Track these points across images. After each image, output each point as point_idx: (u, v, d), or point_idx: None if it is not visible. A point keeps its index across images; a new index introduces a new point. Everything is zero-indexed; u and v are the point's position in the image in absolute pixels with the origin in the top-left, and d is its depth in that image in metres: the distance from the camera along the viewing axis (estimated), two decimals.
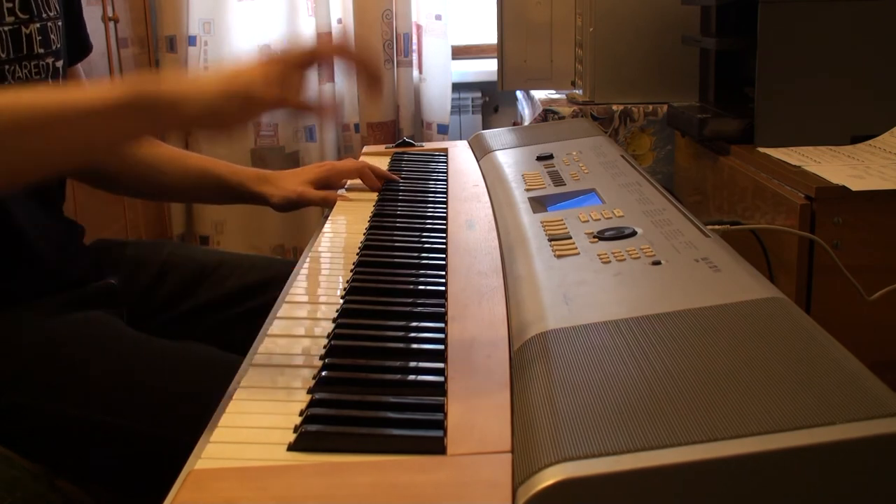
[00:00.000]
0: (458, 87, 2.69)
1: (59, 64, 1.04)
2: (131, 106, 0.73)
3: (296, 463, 0.55)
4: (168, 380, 0.90)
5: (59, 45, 1.04)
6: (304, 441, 0.57)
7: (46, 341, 0.91)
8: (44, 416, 0.86)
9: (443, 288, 0.83)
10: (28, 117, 0.73)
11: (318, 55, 0.82)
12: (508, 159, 1.25)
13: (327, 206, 1.20)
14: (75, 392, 0.87)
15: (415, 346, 0.73)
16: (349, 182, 1.30)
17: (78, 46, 1.14)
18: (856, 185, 1.10)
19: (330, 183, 1.26)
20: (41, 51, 1.00)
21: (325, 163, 1.31)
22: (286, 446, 0.57)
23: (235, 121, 0.75)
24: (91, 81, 1.22)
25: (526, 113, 2.17)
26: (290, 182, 1.23)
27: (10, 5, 0.95)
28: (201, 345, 0.97)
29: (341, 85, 2.65)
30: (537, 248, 0.83)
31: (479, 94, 2.77)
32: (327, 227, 1.10)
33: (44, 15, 1.00)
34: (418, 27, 2.62)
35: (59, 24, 1.05)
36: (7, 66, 0.95)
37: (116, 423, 0.85)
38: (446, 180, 1.25)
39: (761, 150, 1.33)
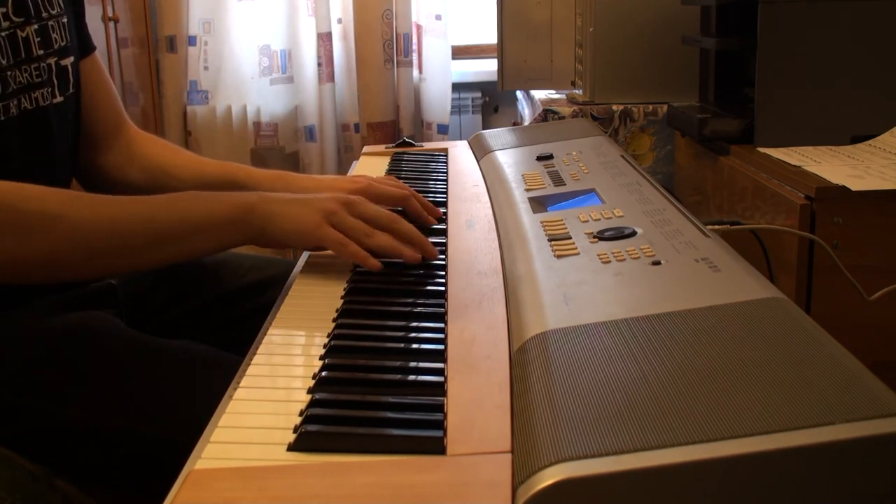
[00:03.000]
0: (458, 87, 2.69)
1: (67, 62, 1.03)
2: (236, 223, 0.87)
3: (296, 463, 0.55)
4: (168, 380, 0.89)
5: (65, 43, 1.03)
6: (304, 441, 0.57)
7: (45, 341, 0.91)
8: (43, 417, 0.86)
9: (443, 288, 0.83)
10: (148, 235, 0.86)
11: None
12: (508, 159, 1.25)
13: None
14: (74, 392, 0.87)
15: (415, 346, 0.73)
16: None
17: (80, 46, 1.13)
18: (856, 185, 1.10)
19: None
20: (40, 52, 0.99)
21: (360, 178, 1.10)
22: (286, 446, 0.57)
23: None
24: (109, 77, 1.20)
25: (526, 113, 2.17)
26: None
27: (4, 10, 0.94)
28: (201, 345, 0.97)
29: (341, 85, 2.65)
30: (537, 248, 0.83)
31: (479, 94, 2.77)
32: None
33: (43, 14, 0.99)
34: (418, 27, 2.62)
35: (64, 20, 1.03)
36: (8, 73, 0.94)
37: (116, 424, 0.85)
38: (446, 180, 1.25)
39: (761, 150, 1.33)
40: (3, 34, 0.93)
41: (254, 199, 0.89)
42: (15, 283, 0.88)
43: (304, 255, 0.99)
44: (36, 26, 0.98)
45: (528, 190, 1.05)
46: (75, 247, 0.84)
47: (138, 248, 0.86)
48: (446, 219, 1.05)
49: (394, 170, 1.33)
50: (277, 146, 2.65)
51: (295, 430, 0.58)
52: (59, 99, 1.02)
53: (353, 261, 0.88)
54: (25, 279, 0.88)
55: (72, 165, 1.09)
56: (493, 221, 1.01)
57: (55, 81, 1.01)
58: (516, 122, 2.50)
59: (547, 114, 1.85)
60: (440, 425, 0.58)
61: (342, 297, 0.82)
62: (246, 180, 1.17)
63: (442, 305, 0.78)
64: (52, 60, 1.01)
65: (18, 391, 0.87)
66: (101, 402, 0.86)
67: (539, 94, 2.03)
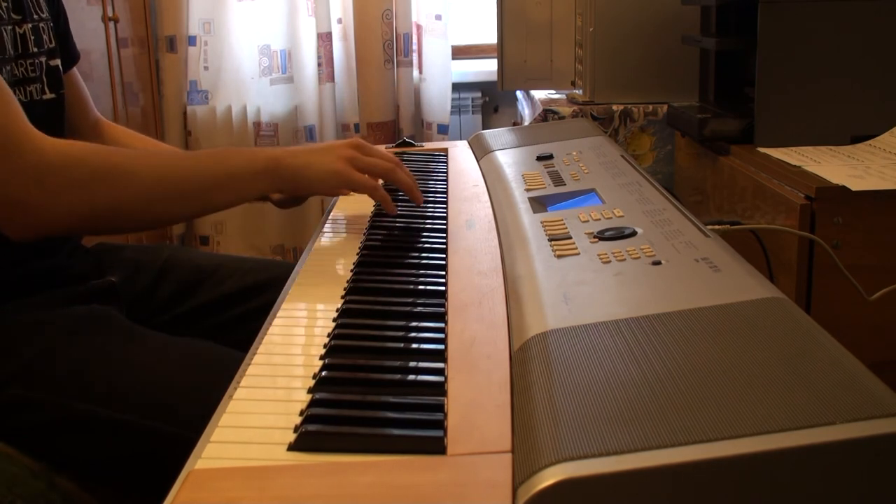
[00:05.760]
0: (458, 87, 2.69)
1: (55, 63, 1.06)
2: (268, 172, 0.97)
3: (296, 463, 0.55)
4: (169, 375, 0.90)
5: (52, 45, 1.06)
6: (305, 441, 0.57)
7: (46, 336, 0.91)
8: (44, 412, 0.86)
9: (443, 288, 0.83)
10: (196, 184, 0.96)
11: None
12: (508, 159, 1.25)
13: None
14: (76, 387, 0.87)
15: (415, 345, 0.73)
16: None
17: (66, 55, 1.15)
18: (856, 185, 1.10)
19: None
20: (35, 50, 1.02)
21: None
22: (286, 446, 0.57)
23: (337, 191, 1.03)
24: (92, 84, 1.24)
25: (526, 113, 2.17)
26: None
27: (6, 4, 0.98)
28: (202, 340, 0.97)
29: (341, 85, 2.65)
30: (537, 248, 0.83)
31: (479, 94, 2.77)
32: (327, 227, 1.10)
33: (35, 16, 1.03)
34: (418, 27, 2.62)
35: (51, 25, 1.07)
36: (6, 66, 0.97)
37: (117, 418, 0.85)
38: (446, 180, 1.25)
39: (761, 150, 1.33)
40: (7, 28, 0.96)
41: (279, 153, 0.99)
42: (81, 233, 1.00)
43: (305, 256, 0.99)
44: (30, 26, 1.02)
45: (528, 190, 1.05)
46: (137, 196, 0.92)
47: (189, 195, 0.96)
48: (446, 219, 1.05)
49: None
50: (277, 146, 2.65)
51: (295, 430, 0.58)
52: (49, 95, 1.05)
53: (379, 201, 1.02)
54: (91, 230, 0.98)
55: None
56: (493, 221, 1.01)
57: (45, 79, 1.04)
58: (516, 122, 2.50)
59: (547, 114, 1.85)
60: (440, 425, 0.58)
61: (342, 297, 0.82)
62: None
63: (442, 305, 0.78)
64: (43, 59, 1.04)
65: (19, 386, 0.87)
66: (102, 397, 0.86)
67: (539, 94, 2.03)
